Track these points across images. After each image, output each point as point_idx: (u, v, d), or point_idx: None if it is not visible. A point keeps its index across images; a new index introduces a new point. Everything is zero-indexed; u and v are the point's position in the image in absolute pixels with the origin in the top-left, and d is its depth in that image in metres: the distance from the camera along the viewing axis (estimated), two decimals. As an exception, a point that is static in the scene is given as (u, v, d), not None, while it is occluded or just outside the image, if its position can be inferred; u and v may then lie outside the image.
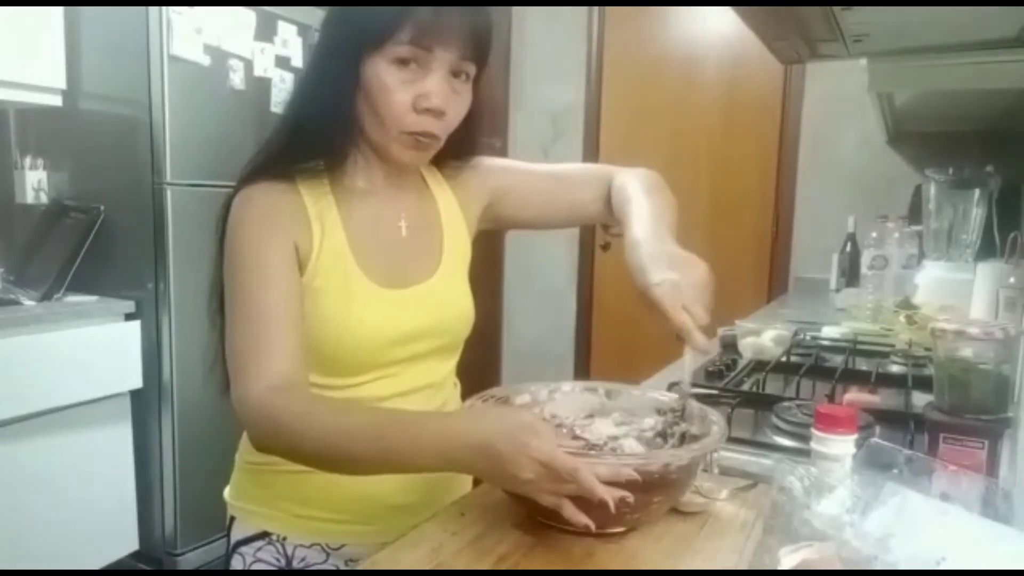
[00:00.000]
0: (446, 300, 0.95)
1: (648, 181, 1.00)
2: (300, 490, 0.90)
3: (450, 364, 1.00)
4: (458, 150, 0.96)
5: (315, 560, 0.92)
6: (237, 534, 0.94)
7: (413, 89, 0.82)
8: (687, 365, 0.85)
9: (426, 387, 0.94)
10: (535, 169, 1.06)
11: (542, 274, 3.49)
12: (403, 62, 0.81)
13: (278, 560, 0.92)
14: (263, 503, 0.93)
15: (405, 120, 0.82)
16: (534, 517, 0.73)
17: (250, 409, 0.79)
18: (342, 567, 0.91)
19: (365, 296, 0.87)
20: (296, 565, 0.91)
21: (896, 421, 1.04)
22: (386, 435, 0.74)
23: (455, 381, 1.03)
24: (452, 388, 1.01)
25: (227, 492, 0.98)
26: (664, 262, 0.81)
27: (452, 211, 0.99)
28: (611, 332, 3.48)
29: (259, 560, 0.92)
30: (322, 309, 0.85)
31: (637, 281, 0.82)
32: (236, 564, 0.93)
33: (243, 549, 0.93)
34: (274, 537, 0.92)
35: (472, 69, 0.86)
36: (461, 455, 0.69)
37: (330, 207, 0.88)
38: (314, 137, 0.86)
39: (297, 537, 0.91)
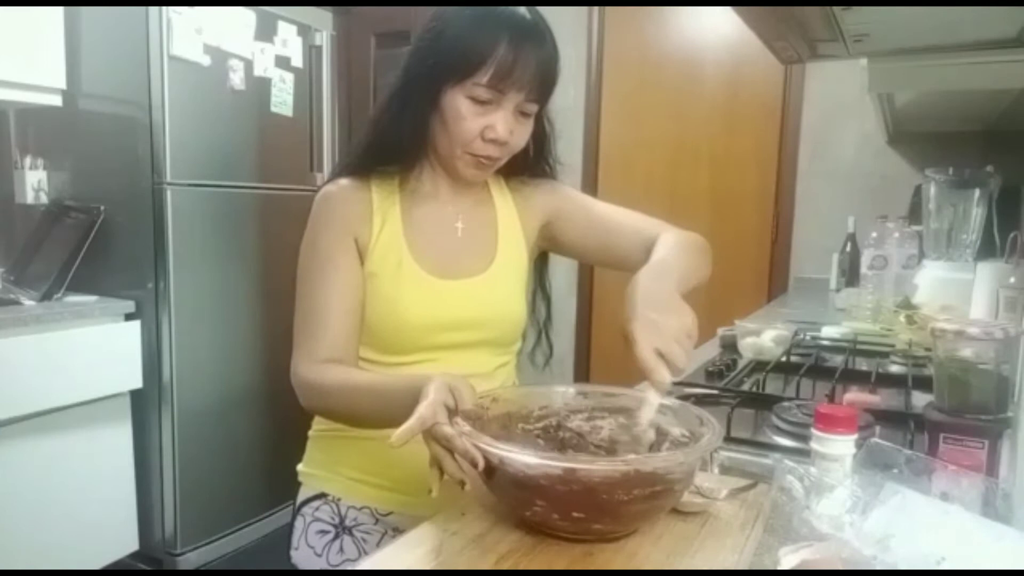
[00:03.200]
0: (493, 296, 1.03)
1: (687, 241, 1.02)
2: (356, 456, 1.01)
3: (500, 359, 1.07)
4: (526, 166, 1.07)
5: (364, 521, 1.02)
6: (301, 497, 1.06)
7: (483, 120, 0.93)
8: (649, 403, 0.81)
9: (471, 375, 0.95)
10: (596, 205, 1.13)
11: (542, 274, 3.49)
12: (479, 99, 0.92)
13: (332, 518, 1.03)
14: (324, 467, 1.05)
15: (472, 145, 0.95)
16: (529, 524, 0.73)
17: (297, 381, 0.94)
18: (388, 534, 1.01)
19: (415, 282, 0.98)
20: (348, 524, 1.02)
21: (896, 421, 1.04)
22: (381, 393, 0.87)
23: (515, 381, 1.10)
24: (511, 384, 1.08)
25: (300, 464, 1.09)
26: (652, 303, 0.81)
27: (511, 219, 1.08)
28: (612, 335, 3.48)
29: (317, 519, 1.03)
30: (376, 291, 0.98)
31: (623, 313, 0.83)
32: (298, 524, 1.05)
33: (304, 509, 1.05)
34: (330, 498, 1.03)
35: (536, 108, 0.98)
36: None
37: (394, 204, 1.01)
38: (392, 147, 1.00)
39: (350, 499, 1.02)
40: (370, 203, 1.00)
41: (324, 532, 1.02)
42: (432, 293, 0.98)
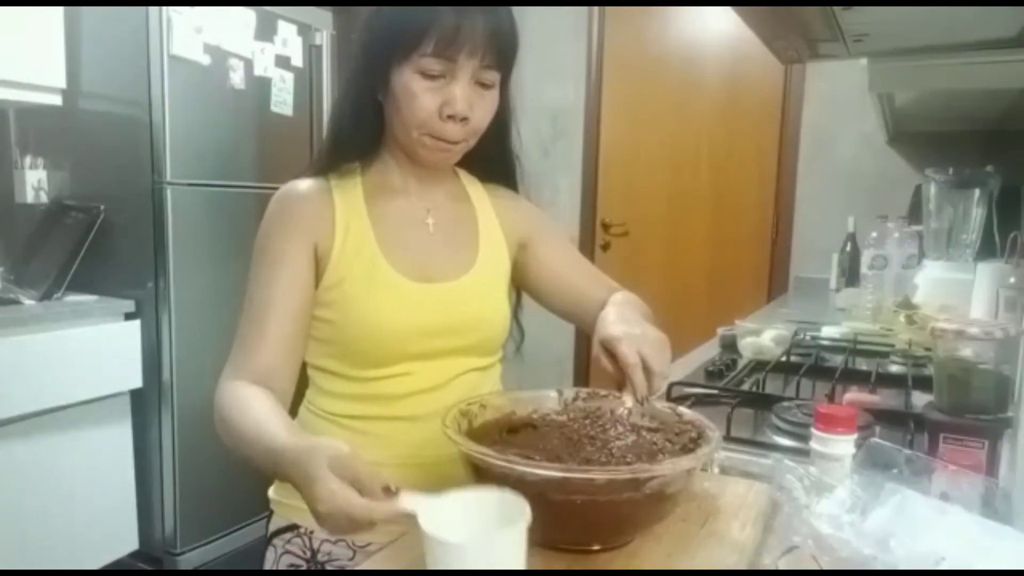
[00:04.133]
0: (475, 300, 0.97)
1: (638, 300, 1.04)
2: None
3: (481, 368, 1.00)
4: (484, 155, 1.00)
5: (340, 556, 0.93)
6: (272, 526, 0.98)
7: (439, 96, 0.86)
8: (626, 406, 0.82)
9: (449, 385, 0.95)
10: (568, 243, 1.12)
11: (542, 274, 3.48)
12: (429, 73, 0.85)
13: (304, 552, 0.94)
14: (293, 495, 0.95)
15: (429, 125, 0.87)
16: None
17: (215, 394, 0.85)
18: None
19: (389, 286, 0.90)
20: (321, 559, 0.93)
21: (896, 421, 1.04)
22: (253, 444, 0.77)
23: (500, 390, 1.04)
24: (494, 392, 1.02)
25: (271, 488, 1.01)
26: (627, 319, 0.85)
27: (491, 225, 1.03)
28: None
29: (288, 552, 0.95)
30: (346, 298, 0.89)
31: (598, 331, 0.86)
32: (269, 555, 0.97)
33: (276, 540, 0.96)
34: (302, 530, 0.94)
35: (496, 77, 0.89)
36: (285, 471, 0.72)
37: (358, 203, 0.93)
38: (350, 142, 0.94)
39: (324, 531, 0.92)
40: (331, 204, 0.92)
41: (295, 566, 0.94)
42: (409, 297, 0.91)
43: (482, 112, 0.90)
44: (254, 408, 0.81)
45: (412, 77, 0.85)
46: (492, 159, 1.03)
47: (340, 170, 0.95)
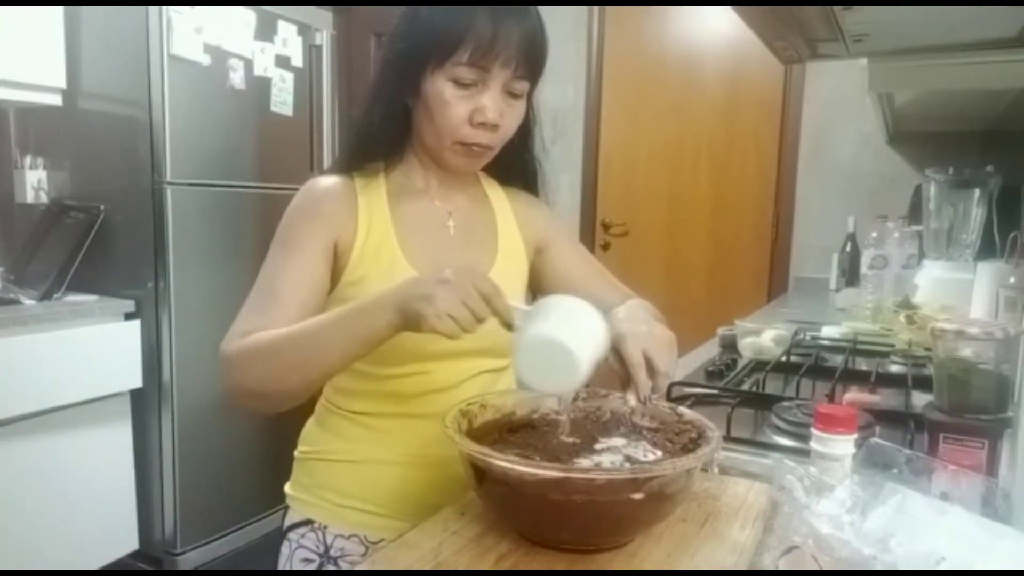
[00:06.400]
0: None
1: (650, 305, 1.04)
2: (339, 479, 0.96)
3: (497, 368, 1.00)
4: (508, 157, 1.01)
5: (352, 551, 0.95)
6: (287, 521, 1.00)
7: (470, 103, 0.88)
8: (629, 405, 0.82)
9: (466, 384, 0.95)
10: (581, 248, 1.14)
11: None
12: (463, 81, 0.87)
13: (317, 547, 0.96)
14: (308, 491, 0.98)
15: (460, 132, 0.89)
16: (523, 535, 0.73)
17: (226, 354, 0.84)
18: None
19: None
20: (333, 555, 0.95)
21: (896, 421, 1.04)
22: (337, 314, 0.80)
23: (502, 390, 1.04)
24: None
25: (287, 484, 1.03)
26: (636, 319, 0.85)
27: (510, 228, 1.04)
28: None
29: (301, 546, 0.97)
30: (365, 294, 0.89)
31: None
32: (284, 549, 0.99)
33: (291, 535, 0.99)
34: (316, 525, 0.96)
35: (526, 87, 0.92)
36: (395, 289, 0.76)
37: (381, 203, 0.95)
38: (376, 143, 0.95)
39: (337, 527, 0.96)
40: (355, 202, 0.93)
41: (308, 561, 0.96)
42: None
43: (511, 120, 0.92)
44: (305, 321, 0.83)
45: (445, 85, 0.87)
46: (514, 164, 1.05)
47: (365, 170, 0.96)
